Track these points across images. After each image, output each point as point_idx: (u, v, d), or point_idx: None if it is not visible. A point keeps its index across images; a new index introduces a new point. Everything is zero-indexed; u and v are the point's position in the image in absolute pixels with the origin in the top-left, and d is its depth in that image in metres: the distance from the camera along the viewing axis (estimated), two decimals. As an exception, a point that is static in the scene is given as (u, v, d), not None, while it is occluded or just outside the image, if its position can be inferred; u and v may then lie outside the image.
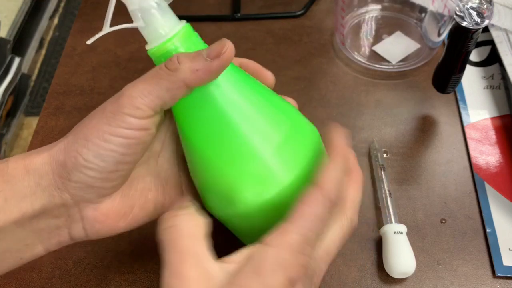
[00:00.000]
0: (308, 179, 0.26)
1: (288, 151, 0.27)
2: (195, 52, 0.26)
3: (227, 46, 0.26)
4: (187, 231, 0.25)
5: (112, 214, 0.28)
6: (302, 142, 0.28)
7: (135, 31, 0.55)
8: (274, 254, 0.24)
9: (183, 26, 0.27)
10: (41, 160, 0.26)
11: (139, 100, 0.25)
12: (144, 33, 0.27)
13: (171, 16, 0.27)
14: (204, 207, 0.30)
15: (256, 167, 0.26)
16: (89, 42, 0.27)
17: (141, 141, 0.26)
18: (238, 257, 0.25)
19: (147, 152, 0.30)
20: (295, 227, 0.24)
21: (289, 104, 0.30)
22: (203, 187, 0.29)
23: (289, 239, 0.24)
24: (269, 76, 0.33)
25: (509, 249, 0.37)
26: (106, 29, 0.26)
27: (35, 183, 0.26)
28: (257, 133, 0.27)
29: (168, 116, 0.32)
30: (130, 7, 0.26)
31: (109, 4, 0.25)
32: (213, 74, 0.26)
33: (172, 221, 0.26)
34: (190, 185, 0.32)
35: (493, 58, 0.49)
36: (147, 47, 0.27)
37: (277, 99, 0.30)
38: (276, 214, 0.26)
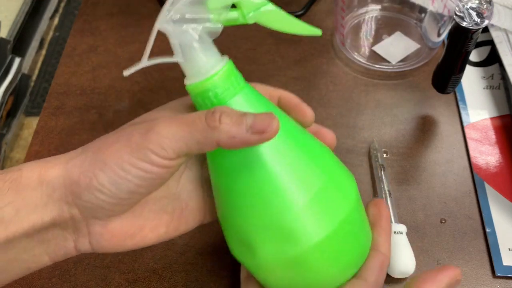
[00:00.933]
0: (341, 237, 0.26)
1: (318, 208, 0.25)
2: (239, 116, 0.24)
3: (273, 126, 0.24)
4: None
5: (120, 233, 0.27)
6: (336, 198, 0.26)
7: (135, 31, 0.54)
8: None
9: (224, 64, 0.26)
10: (56, 172, 0.26)
11: (167, 142, 0.24)
12: (183, 68, 0.26)
13: (213, 53, 0.26)
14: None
15: (282, 223, 0.25)
16: (126, 73, 0.25)
17: (160, 177, 0.25)
18: None
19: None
20: None
21: (326, 152, 0.28)
22: (227, 231, 0.28)
23: None
24: (309, 113, 0.30)
25: (509, 249, 0.37)
26: (145, 62, 0.25)
27: (47, 195, 0.26)
28: (288, 190, 0.25)
29: None
30: (171, 40, 0.25)
31: (150, 37, 0.24)
32: (249, 145, 0.25)
33: None
34: (213, 211, 0.30)
35: (492, 58, 0.49)
36: (186, 82, 0.26)
37: (316, 147, 0.28)
38: (303, 272, 0.26)
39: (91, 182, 0.25)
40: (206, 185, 0.30)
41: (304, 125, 0.30)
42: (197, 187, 0.30)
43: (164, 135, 0.25)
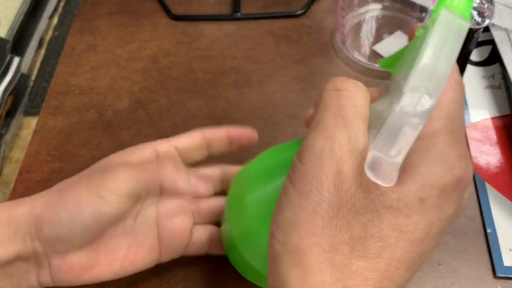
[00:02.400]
0: None
1: None
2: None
3: None
4: (355, 102, 0.22)
5: (77, 267, 0.29)
6: None
7: (135, 31, 0.54)
8: (423, 147, 0.21)
9: None
10: (23, 209, 0.29)
11: (121, 180, 0.29)
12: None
13: None
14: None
15: None
16: None
17: (112, 215, 0.29)
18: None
19: (126, 213, 0.31)
20: (441, 113, 0.22)
21: None
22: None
23: (438, 128, 0.21)
24: (252, 135, 0.34)
25: (510, 250, 0.37)
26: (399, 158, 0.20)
27: (14, 231, 0.28)
28: None
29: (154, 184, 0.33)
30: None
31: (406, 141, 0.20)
32: None
33: (341, 85, 0.22)
34: (171, 250, 0.32)
35: (493, 58, 0.49)
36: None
37: None
38: None
39: (53, 217, 0.28)
40: (161, 225, 0.32)
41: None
42: (152, 226, 0.32)
43: (120, 174, 0.29)
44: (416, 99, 0.20)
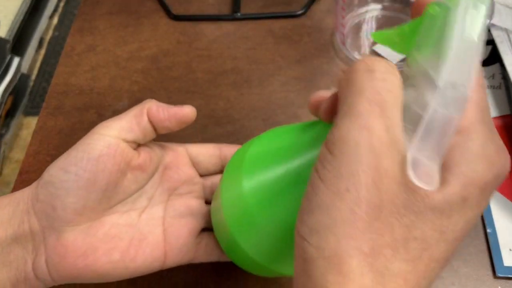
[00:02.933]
0: None
1: None
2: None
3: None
4: (390, 86, 0.20)
5: (72, 248, 0.28)
6: None
7: (135, 31, 0.54)
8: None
9: None
10: (24, 190, 0.29)
11: (112, 124, 0.29)
12: None
13: None
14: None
15: None
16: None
17: (105, 164, 0.28)
18: None
19: (129, 205, 0.31)
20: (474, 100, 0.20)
21: None
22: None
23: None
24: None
25: (510, 250, 0.37)
26: None
27: (12, 210, 0.28)
28: None
29: (159, 174, 0.32)
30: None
31: (446, 139, 0.19)
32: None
33: (374, 65, 0.20)
34: (177, 250, 0.31)
35: (493, 58, 0.49)
36: None
37: None
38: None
39: (44, 178, 0.28)
40: (167, 224, 0.31)
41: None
42: (158, 224, 0.31)
43: (106, 122, 0.29)
44: (452, 93, 0.19)
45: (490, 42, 0.49)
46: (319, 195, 0.19)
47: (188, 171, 0.34)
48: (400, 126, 0.19)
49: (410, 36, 0.23)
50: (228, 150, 0.34)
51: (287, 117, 0.46)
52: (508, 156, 0.21)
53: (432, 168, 0.19)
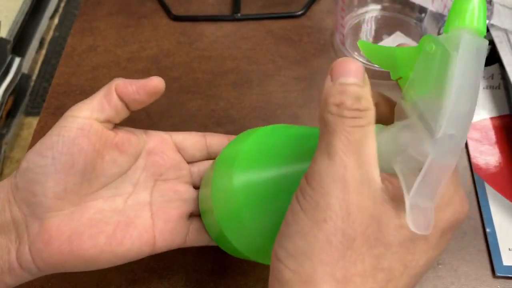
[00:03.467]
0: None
1: None
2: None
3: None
4: (363, 122, 0.21)
5: (56, 234, 0.27)
6: None
7: (135, 31, 0.54)
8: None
9: None
10: (4, 180, 0.29)
11: (81, 105, 0.29)
12: None
13: None
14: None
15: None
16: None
17: (79, 140, 0.28)
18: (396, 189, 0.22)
19: (113, 190, 0.30)
20: None
21: None
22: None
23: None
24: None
25: (509, 249, 0.37)
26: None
27: None
28: None
29: (143, 159, 0.32)
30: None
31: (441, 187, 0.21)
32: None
33: (346, 99, 0.21)
34: (167, 234, 0.30)
35: (493, 58, 0.49)
36: None
37: None
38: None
39: (22, 165, 0.28)
40: (155, 207, 0.31)
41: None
42: (145, 209, 0.31)
43: (77, 105, 0.29)
44: (449, 144, 0.20)
45: (490, 42, 0.50)
46: (299, 222, 0.21)
47: (174, 156, 0.33)
48: (372, 161, 0.21)
49: (400, 61, 0.23)
50: (214, 139, 0.34)
51: (287, 117, 0.46)
52: (468, 206, 0.24)
53: (429, 216, 0.20)
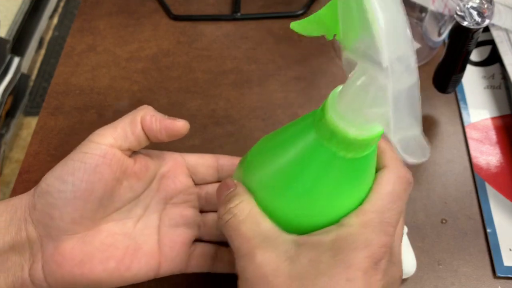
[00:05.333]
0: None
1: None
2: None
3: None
4: (246, 217, 0.26)
5: (69, 257, 0.28)
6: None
7: (135, 31, 0.54)
8: (355, 233, 0.24)
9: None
10: (22, 197, 0.29)
11: (103, 133, 0.29)
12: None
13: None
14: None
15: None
16: None
17: (98, 166, 0.28)
18: (314, 238, 0.24)
19: (125, 213, 0.31)
20: (373, 206, 0.24)
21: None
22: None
23: (368, 219, 0.24)
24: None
25: (510, 249, 0.37)
26: None
27: (10, 217, 0.28)
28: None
29: (156, 183, 0.32)
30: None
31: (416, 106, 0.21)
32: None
33: (228, 214, 0.26)
34: (170, 260, 0.31)
35: (493, 58, 0.49)
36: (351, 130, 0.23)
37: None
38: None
39: (41, 186, 0.28)
40: (162, 234, 0.32)
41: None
42: (153, 233, 0.31)
43: (101, 131, 0.29)
44: (399, 66, 0.19)
45: (490, 42, 0.50)
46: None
47: (185, 181, 0.34)
48: (258, 227, 0.25)
49: (327, 20, 0.24)
50: (226, 160, 0.35)
51: (287, 117, 0.46)
52: (392, 252, 0.26)
53: (420, 139, 0.20)
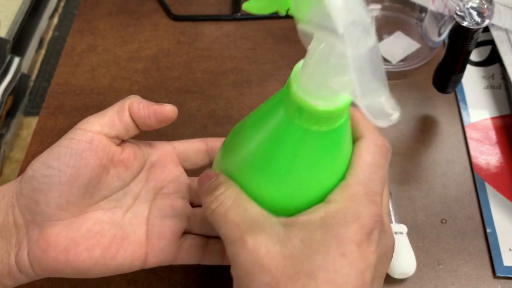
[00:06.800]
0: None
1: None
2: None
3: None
4: (232, 203, 0.26)
5: (54, 243, 0.28)
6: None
7: (135, 31, 0.54)
8: (343, 208, 0.24)
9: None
10: (10, 184, 0.29)
11: (91, 120, 0.29)
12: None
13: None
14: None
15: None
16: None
17: (85, 153, 0.28)
18: (302, 218, 0.24)
19: (114, 202, 0.31)
20: (356, 179, 0.24)
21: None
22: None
23: (353, 193, 0.24)
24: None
25: (510, 249, 0.37)
26: None
27: None
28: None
29: (145, 173, 0.32)
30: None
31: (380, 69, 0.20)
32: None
33: (215, 202, 0.26)
34: (158, 251, 0.31)
35: (493, 58, 0.49)
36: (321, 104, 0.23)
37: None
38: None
39: (27, 172, 0.28)
40: (151, 224, 0.31)
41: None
42: (142, 223, 0.31)
43: (89, 118, 0.29)
44: (356, 29, 0.19)
45: (490, 42, 0.50)
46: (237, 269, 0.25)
47: (175, 170, 0.34)
48: (246, 210, 0.25)
49: None
50: (214, 143, 0.35)
51: (287, 117, 0.46)
52: (384, 218, 0.25)
53: (386, 100, 0.20)
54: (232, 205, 0.25)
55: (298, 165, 0.25)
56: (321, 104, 0.22)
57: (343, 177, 0.25)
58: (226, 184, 0.26)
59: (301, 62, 0.23)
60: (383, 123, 0.19)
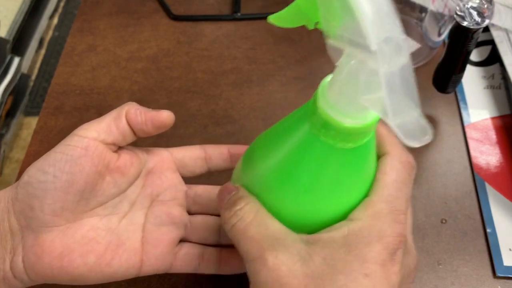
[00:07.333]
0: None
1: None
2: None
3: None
4: (252, 219, 0.25)
5: (48, 249, 0.28)
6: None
7: (135, 31, 0.54)
8: (367, 226, 0.23)
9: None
10: (6, 189, 0.29)
11: (86, 127, 0.29)
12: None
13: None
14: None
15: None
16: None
17: (80, 159, 0.28)
18: (325, 236, 0.24)
19: (110, 209, 0.30)
20: (380, 196, 0.24)
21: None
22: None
23: (377, 211, 0.23)
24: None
25: (510, 249, 0.37)
26: None
27: None
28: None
29: (142, 179, 0.32)
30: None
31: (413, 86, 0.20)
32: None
33: (234, 217, 0.26)
34: (153, 259, 0.31)
35: (493, 58, 0.49)
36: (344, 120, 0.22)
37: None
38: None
39: (23, 178, 0.28)
40: (147, 231, 0.31)
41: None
42: (138, 230, 0.31)
43: (86, 125, 0.29)
44: (388, 47, 0.19)
45: (490, 42, 0.50)
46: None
47: (172, 177, 0.33)
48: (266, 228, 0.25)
49: (306, 9, 0.23)
50: (213, 150, 0.34)
51: (287, 117, 0.46)
52: (406, 238, 0.25)
53: (419, 121, 0.19)
54: (252, 221, 0.25)
55: (322, 181, 0.24)
56: (349, 121, 0.21)
57: (366, 194, 0.25)
58: (246, 199, 0.26)
59: (328, 77, 0.23)
60: (415, 144, 0.19)
